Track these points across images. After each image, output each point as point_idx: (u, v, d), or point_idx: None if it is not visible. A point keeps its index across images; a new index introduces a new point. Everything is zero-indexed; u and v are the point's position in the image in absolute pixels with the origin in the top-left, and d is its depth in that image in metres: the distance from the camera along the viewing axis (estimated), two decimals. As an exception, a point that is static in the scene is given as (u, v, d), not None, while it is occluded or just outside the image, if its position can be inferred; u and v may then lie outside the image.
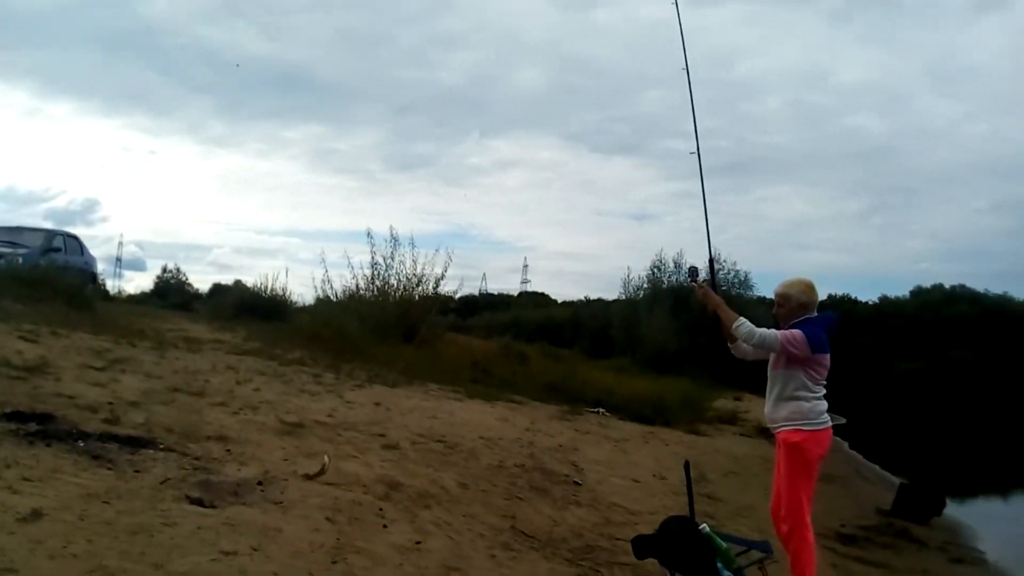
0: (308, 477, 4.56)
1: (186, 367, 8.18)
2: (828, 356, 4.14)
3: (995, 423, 32.55)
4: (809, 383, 4.10)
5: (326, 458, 4.72)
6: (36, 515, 3.10)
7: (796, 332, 4.03)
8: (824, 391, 4.18)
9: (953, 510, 8.89)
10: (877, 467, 13.37)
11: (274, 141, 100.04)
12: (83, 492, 3.53)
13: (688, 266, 5.21)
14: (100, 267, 20.02)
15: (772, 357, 4.20)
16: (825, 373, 4.16)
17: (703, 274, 4.31)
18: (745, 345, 4.34)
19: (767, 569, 4.20)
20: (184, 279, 32.71)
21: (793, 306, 4.21)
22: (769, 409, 4.27)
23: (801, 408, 4.09)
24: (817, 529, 6.88)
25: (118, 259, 62.15)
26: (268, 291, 20.74)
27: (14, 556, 2.66)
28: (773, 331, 4.10)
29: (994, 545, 7.50)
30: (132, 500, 3.57)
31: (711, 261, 4.79)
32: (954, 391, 52.50)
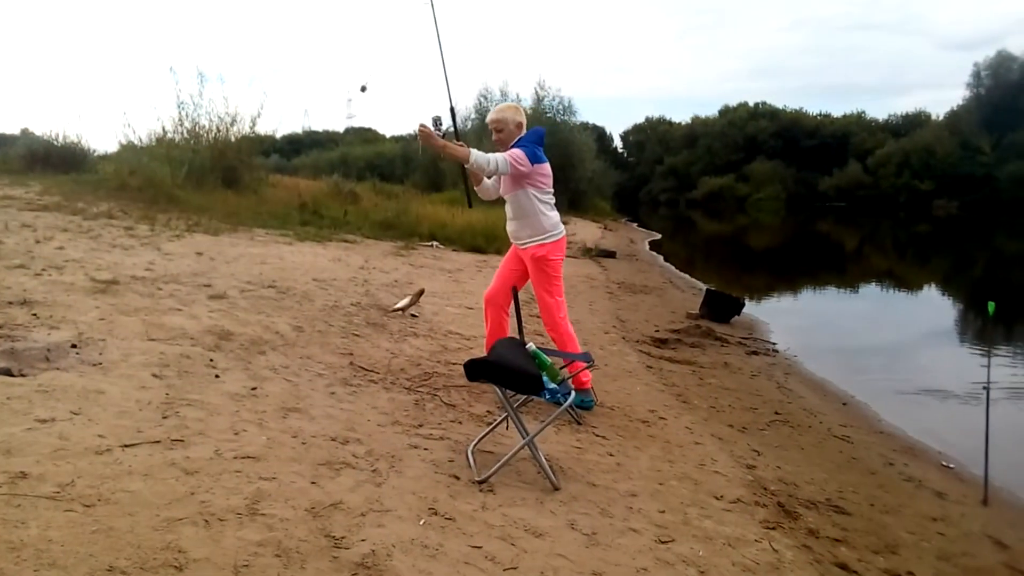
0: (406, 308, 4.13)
1: (-30, 229, 7.34)
2: (547, 165, 4.48)
3: (789, 228, 36.26)
4: (540, 195, 4.45)
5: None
6: None
7: (516, 151, 4.28)
8: (553, 199, 4.57)
9: (751, 309, 10.01)
10: (687, 276, 14.65)
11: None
12: None
13: (432, 116, 4.74)
14: None
15: (504, 183, 4.47)
16: (550, 181, 4.51)
17: (446, 123, 4.34)
18: (487, 182, 4.63)
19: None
20: (-45, 129, 28.56)
21: (511, 128, 4.44)
22: (514, 228, 4.57)
23: (542, 223, 4.47)
24: (634, 336, 7.59)
25: None
26: (62, 139, 18.57)
27: None
28: (500, 154, 4.28)
29: (783, 337, 8.59)
30: (-76, 378, 3.27)
31: (452, 110, 4.63)
32: (755, 202, 57.54)
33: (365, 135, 59.81)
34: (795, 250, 25.40)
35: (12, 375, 3.51)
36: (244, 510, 2.50)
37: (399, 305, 4.16)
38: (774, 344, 8.23)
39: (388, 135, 55.99)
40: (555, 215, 4.55)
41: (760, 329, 9.11)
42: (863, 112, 69.47)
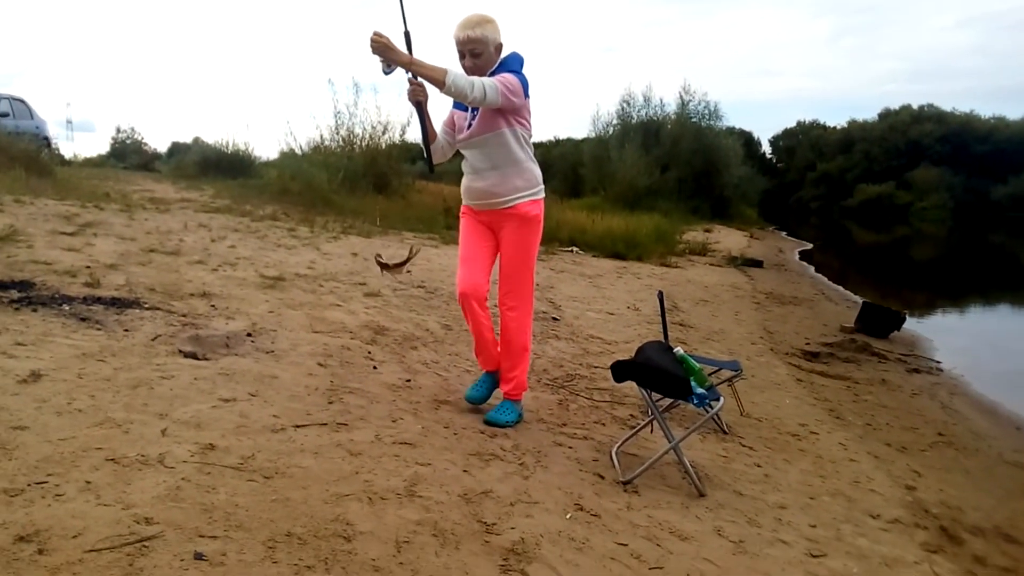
0: (395, 266, 3.97)
1: (157, 227, 8.13)
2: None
3: (957, 240, 33.60)
4: (526, 136, 3.50)
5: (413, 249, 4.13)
6: (36, 376, 3.20)
7: (509, 77, 3.29)
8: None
9: (912, 325, 9.38)
10: (841, 288, 13.91)
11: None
12: (78, 352, 3.63)
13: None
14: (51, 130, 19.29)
15: (478, 122, 3.42)
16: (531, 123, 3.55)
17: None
18: (439, 139, 3.65)
19: (735, 386, 4.51)
20: (141, 139, 31.78)
21: (492, 51, 3.37)
22: (492, 183, 3.50)
23: (534, 173, 3.56)
24: (783, 348, 7.32)
25: (68, 121, 59.60)
26: (231, 147, 20.28)
27: (22, 415, 2.78)
28: (486, 79, 3.26)
29: (948, 356, 7.99)
30: (127, 357, 3.68)
31: (407, 35, 3.25)
32: (918, 211, 53.64)
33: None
34: (963, 264, 23.50)
35: (198, 358, 3.89)
36: (403, 491, 2.65)
37: (393, 261, 4.02)
38: (938, 363, 7.68)
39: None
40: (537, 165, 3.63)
41: (922, 346, 8.53)
42: (1045, 115, 63.44)
